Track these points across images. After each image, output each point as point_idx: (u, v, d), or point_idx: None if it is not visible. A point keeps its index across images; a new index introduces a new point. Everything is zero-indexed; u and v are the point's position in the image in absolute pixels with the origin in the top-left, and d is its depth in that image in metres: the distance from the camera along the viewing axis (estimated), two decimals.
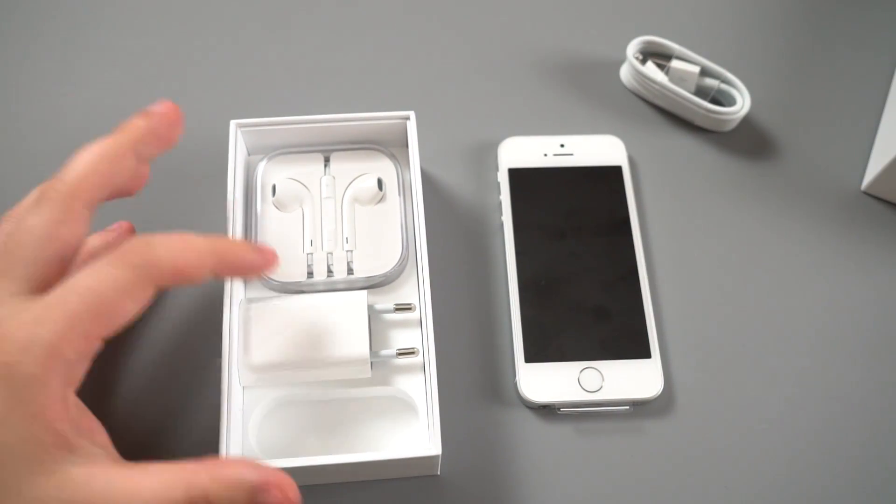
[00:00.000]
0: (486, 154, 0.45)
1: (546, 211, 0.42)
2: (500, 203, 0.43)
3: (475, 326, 0.40)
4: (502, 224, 0.42)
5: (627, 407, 0.38)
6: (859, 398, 0.39)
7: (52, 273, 0.28)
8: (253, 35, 0.49)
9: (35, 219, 0.28)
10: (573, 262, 0.41)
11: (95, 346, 0.27)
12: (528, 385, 0.38)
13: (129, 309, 0.27)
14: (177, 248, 0.29)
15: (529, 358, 0.38)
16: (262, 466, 0.29)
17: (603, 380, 0.38)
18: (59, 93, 0.46)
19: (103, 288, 0.27)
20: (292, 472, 0.31)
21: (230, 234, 0.37)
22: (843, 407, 0.39)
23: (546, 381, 0.38)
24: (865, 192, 0.45)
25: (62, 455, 0.26)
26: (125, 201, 0.43)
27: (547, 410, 0.38)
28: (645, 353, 0.39)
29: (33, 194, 0.29)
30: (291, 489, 0.29)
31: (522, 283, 0.40)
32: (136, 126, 0.32)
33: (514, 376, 0.38)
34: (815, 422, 0.38)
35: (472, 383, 0.39)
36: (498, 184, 0.44)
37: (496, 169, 0.44)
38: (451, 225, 0.43)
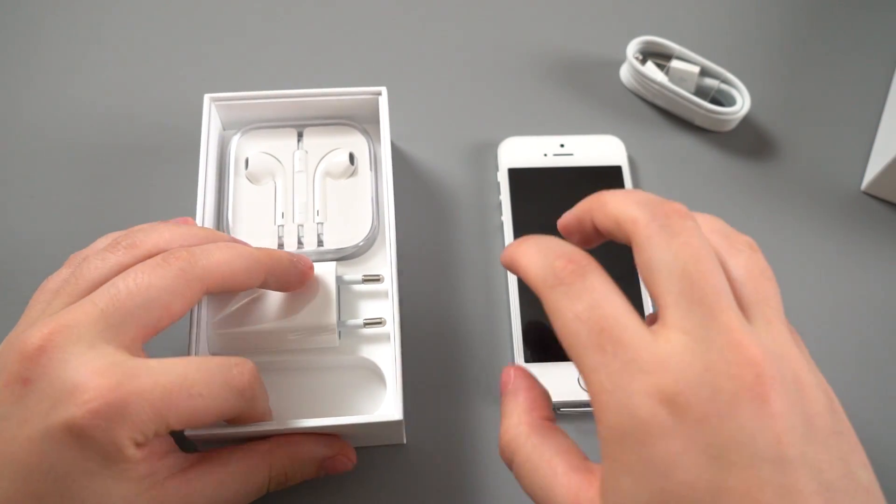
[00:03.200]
0: (485, 154, 0.45)
1: (546, 211, 0.42)
2: (500, 203, 0.43)
3: (475, 326, 0.40)
4: (502, 224, 0.42)
5: None
6: (859, 398, 0.39)
7: (148, 335, 0.29)
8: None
9: (157, 281, 0.29)
10: None
11: (167, 430, 0.28)
12: None
13: (208, 420, 0.29)
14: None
15: (529, 358, 0.38)
16: (326, 438, 0.33)
17: None
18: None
19: (201, 386, 0.28)
20: (257, 437, 0.32)
21: (200, 206, 0.37)
22: (842, 406, 0.39)
23: (546, 382, 0.38)
24: (865, 192, 0.45)
25: (148, 479, 0.28)
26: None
27: None
28: None
29: (157, 257, 0.30)
30: (352, 452, 0.34)
31: (522, 283, 0.40)
32: (282, 258, 0.34)
33: None
34: None
35: (472, 382, 0.39)
36: (497, 184, 0.44)
37: (496, 169, 0.44)
38: (449, 224, 0.43)
